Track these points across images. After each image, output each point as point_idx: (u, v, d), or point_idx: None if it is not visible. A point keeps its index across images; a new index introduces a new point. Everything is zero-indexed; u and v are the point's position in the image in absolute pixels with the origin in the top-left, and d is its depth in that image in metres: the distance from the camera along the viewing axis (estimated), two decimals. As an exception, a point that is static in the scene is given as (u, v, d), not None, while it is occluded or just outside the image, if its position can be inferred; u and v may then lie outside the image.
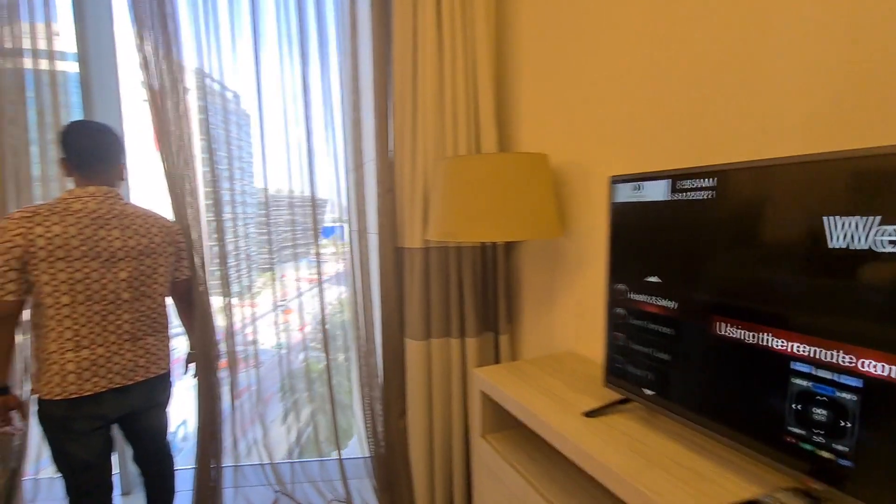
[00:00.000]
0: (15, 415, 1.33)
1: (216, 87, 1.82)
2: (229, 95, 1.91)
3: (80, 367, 1.26)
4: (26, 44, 1.69)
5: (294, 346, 2.17)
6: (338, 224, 2.11)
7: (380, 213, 1.72)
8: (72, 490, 1.35)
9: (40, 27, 1.72)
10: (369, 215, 1.80)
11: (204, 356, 1.71)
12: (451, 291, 1.67)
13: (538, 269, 1.61)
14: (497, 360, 1.65)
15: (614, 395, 1.02)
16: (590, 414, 0.98)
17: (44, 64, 1.73)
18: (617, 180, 0.98)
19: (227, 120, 1.90)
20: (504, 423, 1.33)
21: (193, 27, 1.69)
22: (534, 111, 1.59)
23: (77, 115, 1.86)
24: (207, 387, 1.75)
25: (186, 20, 1.67)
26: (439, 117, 1.61)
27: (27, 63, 1.69)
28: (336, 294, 2.23)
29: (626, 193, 0.95)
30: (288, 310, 2.13)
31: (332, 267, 2.16)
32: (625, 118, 1.19)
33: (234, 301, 1.88)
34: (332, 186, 1.92)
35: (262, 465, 2.06)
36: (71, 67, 1.83)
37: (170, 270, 1.49)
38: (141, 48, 1.57)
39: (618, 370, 1.00)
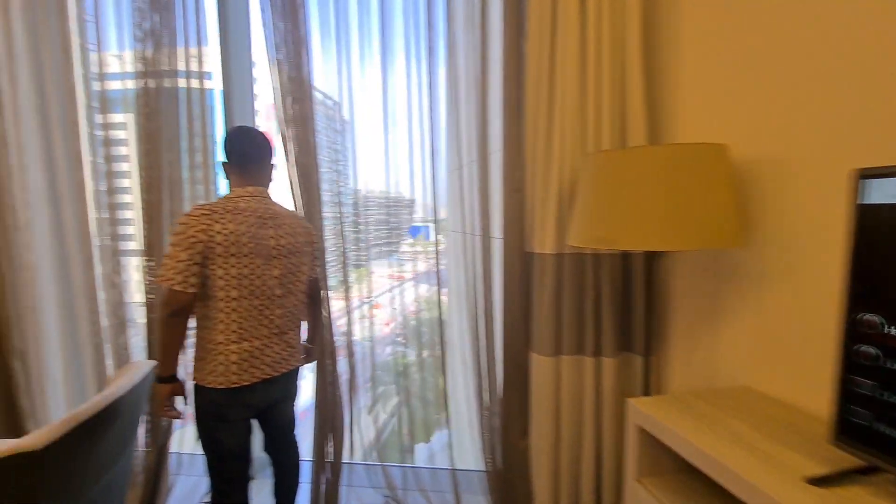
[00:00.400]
0: (180, 400, 1.42)
1: (318, 95, 1.86)
2: (329, 103, 1.99)
3: (241, 357, 1.32)
4: (181, 66, 1.85)
5: (380, 339, 2.17)
6: (424, 224, 2.11)
7: (506, 215, 1.59)
8: (216, 476, 1.42)
9: (192, 51, 1.88)
10: (475, 216, 1.68)
11: (323, 350, 1.73)
12: (586, 303, 1.49)
13: (697, 282, 1.36)
14: (646, 387, 1.42)
15: (849, 459, 0.77)
16: (817, 482, 0.75)
17: (195, 83, 1.88)
18: (870, 174, 0.73)
19: (328, 126, 1.95)
20: (664, 465, 1.12)
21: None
22: (699, 97, 1.34)
23: (218, 126, 2.01)
24: (324, 380, 1.77)
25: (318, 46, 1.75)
26: (579, 107, 1.44)
27: (181, 83, 1.85)
28: (422, 291, 2.21)
29: (888, 192, 0.70)
30: (377, 304, 2.15)
31: (420, 265, 2.15)
32: (855, 100, 0.92)
33: (331, 294, 1.93)
34: (426, 186, 1.86)
35: (373, 465, 2.05)
36: (206, 84, 1.98)
37: (308, 269, 1.53)
38: (274, 68, 1.67)
39: (859, 427, 0.75)
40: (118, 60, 1.94)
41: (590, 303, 1.48)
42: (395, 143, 1.86)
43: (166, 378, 1.34)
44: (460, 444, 1.94)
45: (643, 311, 1.46)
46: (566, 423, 1.53)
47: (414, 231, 2.10)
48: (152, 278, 1.82)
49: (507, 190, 1.57)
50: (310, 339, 1.71)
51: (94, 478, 1.18)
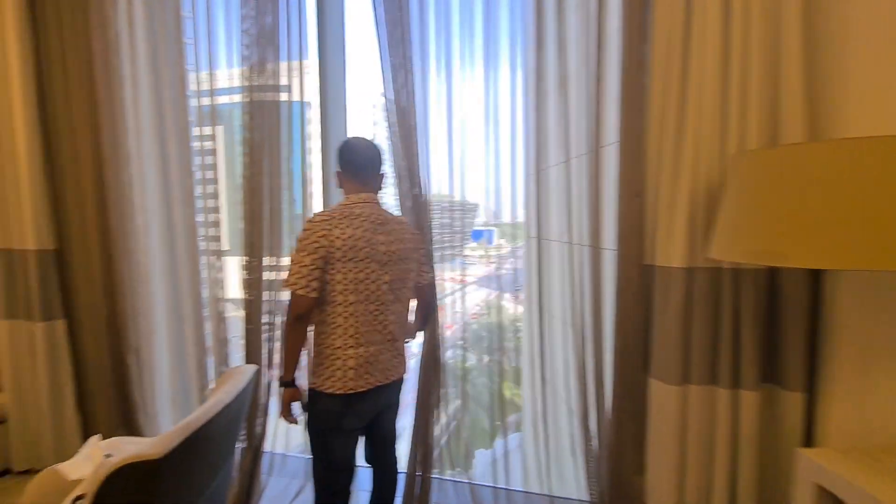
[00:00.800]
0: (297, 406, 1.40)
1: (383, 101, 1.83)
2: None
3: (358, 363, 1.32)
4: (282, 81, 1.90)
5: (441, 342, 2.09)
6: (486, 228, 2.09)
7: (622, 223, 1.41)
8: (323, 486, 1.41)
9: (294, 65, 1.92)
10: (583, 224, 1.52)
11: (429, 360, 1.66)
12: (722, 325, 1.28)
13: (876, 307, 1.11)
14: (808, 430, 1.19)
15: None
16: None
17: (295, 97, 1.94)
18: None
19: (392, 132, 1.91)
20: (851, 538, 0.90)
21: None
22: (871, 85, 1.09)
23: (314, 136, 2.04)
24: (428, 392, 1.69)
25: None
26: (719, 100, 1.24)
27: (282, 97, 1.90)
28: (487, 296, 2.18)
29: None
30: (440, 307, 2.08)
31: (481, 269, 2.14)
32: None
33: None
34: (491, 190, 1.78)
35: (462, 482, 1.95)
36: (304, 97, 2.01)
37: (415, 275, 1.52)
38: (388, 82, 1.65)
39: None
40: (224, 77, 2.04)
41: (727, 325, 1.27)
42: (464, 146, 1.79)
43: (288, 382, 1.34)
44: (559, 469, 1.78)
45: (800, 338, 1.22)
46: (693, 463, 1.33)
47: (476, 235, 2.08)
48: (249, 276, 1.88)
49: (623, 194, 1.40)
50: (424, 350, 1.69)
51: (205, 483, 1.18)
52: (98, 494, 0.89)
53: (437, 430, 1.87)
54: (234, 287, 2.06)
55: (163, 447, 0.94)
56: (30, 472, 2.15)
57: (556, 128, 1.60)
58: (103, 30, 1.93)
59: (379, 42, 1.63)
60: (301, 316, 1.28)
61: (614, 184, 1.44)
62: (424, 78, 1.70)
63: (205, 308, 2.13)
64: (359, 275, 1.30)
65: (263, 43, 1.80)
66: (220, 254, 2.10)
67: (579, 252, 1.57)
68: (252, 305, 1.89)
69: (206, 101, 2.03)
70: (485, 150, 1.77)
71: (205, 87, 2.01)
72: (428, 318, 1.66)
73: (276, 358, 1.93)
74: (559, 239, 1.64)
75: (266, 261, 1.89)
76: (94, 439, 1.35)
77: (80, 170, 2.03)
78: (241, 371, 1.42)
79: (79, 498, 1.18)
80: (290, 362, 1.34)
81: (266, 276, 1.90)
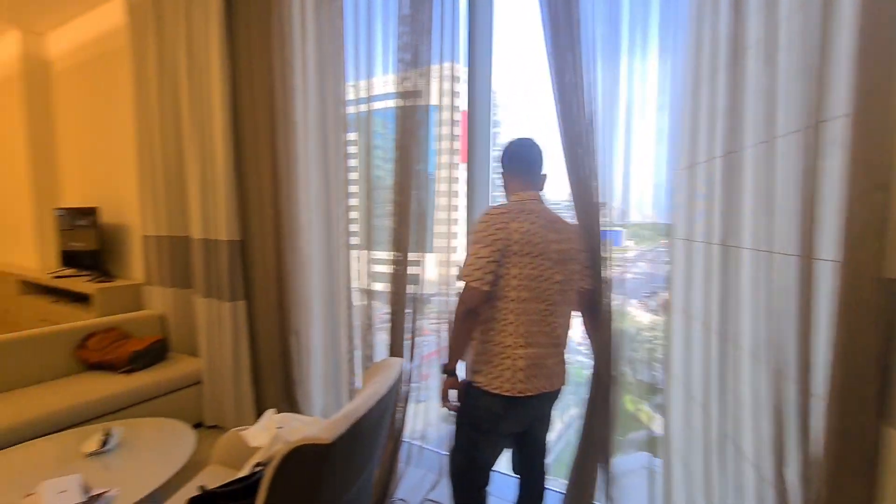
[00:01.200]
0: (454, 394, 1.40)
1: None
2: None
3: (528, 363, 1.27)
4: (433, 85, 1.92)
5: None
6: (611, 229, 1.79)
7: (852, 224, 1.10)
8: (464, 482, 1.40)
9: (445, 69, 1.93)
10: (791, 225, 1.20)
11: (603, 375, 1.52)
12: None
13: None
14: None
15: None
16: None
17: (445, 101, 1.95)
18: None
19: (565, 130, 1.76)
20: None
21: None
22: None
23: (447, 139, 2.03)
24: (606, 409, 1.54)
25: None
26: None
27: (433, 100, 1.93)
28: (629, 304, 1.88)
29: None
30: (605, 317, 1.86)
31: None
32: None
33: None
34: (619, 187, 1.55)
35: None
36: (454, 101, 2.00)
37: (579, 278, 1.43)
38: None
39: None
40: (364, 86, 2.16)
41: None
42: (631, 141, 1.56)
43: (451, 371, 1.35)
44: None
45: None
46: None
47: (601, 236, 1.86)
48: (395, 269, 1.93)
49: (856, 185, 1.08)
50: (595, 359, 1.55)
51: (361, 469, 1.23)
52: (277, 469, 0.96)
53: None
54: (366, 279, 2.18)
55: (332, 432, 0.98)
56: (215, 428, 2.56)
57: (753, 102, 1.32)
58: (281, 51, 2.18)
59: (545, 36, 1.54)
60: (472, 310, 1.26)
61: (841, 171, 1.12)
62: (592, 69, 1.54)
63: (352, 297, 2.29)
64: (533, 271, 1.26)
65: (419, 51, 1.85)
66: (358, 248, 2.24)
67: (779, 262, 1.28)
68: (397, 298, 1.96)
69: (350, 108, 2.18)
70: (624, 144, 1.55)
71: (351, 96, 2.16)
72: (597, 328, 1.50)
73: (416, 350, 1.96)
74: (749, 245, 1.36)
75: (412, 256, 1.93)
76: (270, 412, 1.51)
77: (261, 172, 2.33)
78: (390, 364, 1.46)
79: (259, 465, 1.32)
80: (456, 352, 1.33)
81: (410, 270, 1.95)
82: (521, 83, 2.13)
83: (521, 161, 1.42)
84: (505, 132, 2.10)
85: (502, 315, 1.27)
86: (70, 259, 3.37)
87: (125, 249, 3.26)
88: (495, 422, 1.29)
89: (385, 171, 2.08)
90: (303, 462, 0.97)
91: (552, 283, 1.30)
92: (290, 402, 2.42)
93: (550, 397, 1.37)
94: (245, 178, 2.41)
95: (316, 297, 2.38)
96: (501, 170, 1.45)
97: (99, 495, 1.33)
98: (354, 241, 2.25)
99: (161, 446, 1.68)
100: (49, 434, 1.81)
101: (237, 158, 2.39)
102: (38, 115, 3.71)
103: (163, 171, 2.65)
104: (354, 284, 2.25)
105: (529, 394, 1.26)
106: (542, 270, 1.27)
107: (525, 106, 2.13)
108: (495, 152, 2.02)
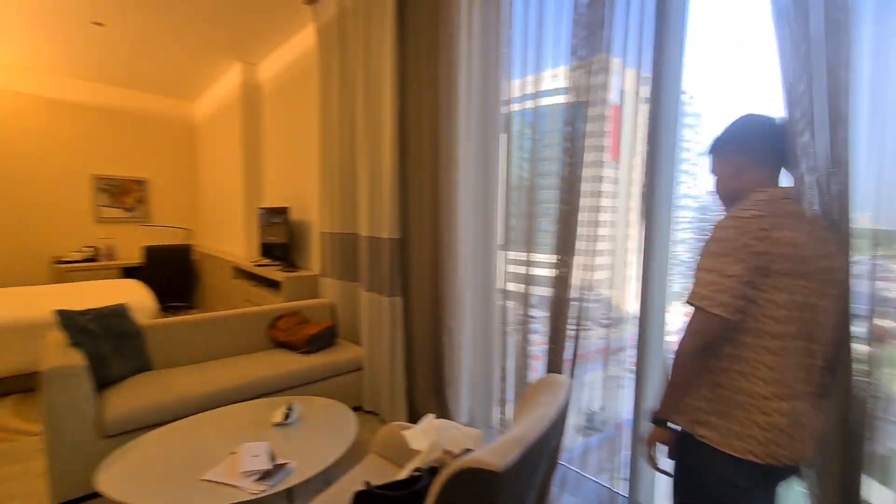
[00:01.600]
0: (660, 452, 1.12)
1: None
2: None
3: (790, 422, 0.96)
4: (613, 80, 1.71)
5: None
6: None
7: None
8: None
9: (616, 62, 1.70)
10: None
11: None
12: None
13: None
14: None
15: None
16: None
17: (628, 98, 1.72)
18: None
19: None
20: None
21: None
22: None
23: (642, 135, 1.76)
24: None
25: None
26: None
27: (612, 96, 1.71)
28: None
29: None
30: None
31: None
32: None
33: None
34: None
35: None
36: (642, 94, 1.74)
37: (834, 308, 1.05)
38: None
39: None
40: (517, 85, 2.02)
41: None
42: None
43: (662, 420, 1.07)
44: None
45: None
46: None
47: None
48: (558, 273, 1.77)
49: None
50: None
51: (524, 497, 1.11)
52: (444, 486, 0.89)
53: None
54: (522, 282, 2.04)
55: (503, 459, 0.87)
56: (372, 413, 2.72)
57: None
58: (448, 51, 2.18)
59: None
60: (709, 343, 0.98)
61: None
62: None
63: (506, 301, 2.19)
64: (803, 298, 0.94)
65: (595, 44, 1.67)
66: (513, 249, 2.12)
67: None
68: (558, 304, 1.80)
69: (515, 106, 2.07)
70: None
71: (516, 93, 2.06)
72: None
73: (578, 366, 1.77)
74: None
75: (577, 260, 1.75)
76: (430, 417, 1.49)
77: (422, 173, 2.39)
78: (556, 382, 1.30)
79: (417, 470, 1.30)
80: (674, 398, 1.04)
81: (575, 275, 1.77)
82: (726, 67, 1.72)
83: (777, 143, 1.05)
84: (704, 125, 1.75)
85: (753, 355, 0.95)
86: (267, 250, 4.00)
87: (307, 244, 3.74)
88: (735, 497, 0.97)
89: (545, 171, 1.94)
90: (469, 485, 0.89)
91: (823, 313, 0.97)
92: (439, 399, 2.43)
93: (795, 471, 1.02)
94: (408, 180, 2.51)
95: (469, 299, 2.34)
96: (736, 152, 1.07)
97: (282, 465, 1.47)
98: (509, 242, 2.15)
99: (330, 426, 1.82)
100: (246, 399, 2.12)
101: (402, 163, 2.50)
102: (251, 132, 4.51)
103: (339, 174, 2.93)
104: (509, 287, 2.15)
105: (788, 462, 0.94)
106: (808, 295, 0.95)
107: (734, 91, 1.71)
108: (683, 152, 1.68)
